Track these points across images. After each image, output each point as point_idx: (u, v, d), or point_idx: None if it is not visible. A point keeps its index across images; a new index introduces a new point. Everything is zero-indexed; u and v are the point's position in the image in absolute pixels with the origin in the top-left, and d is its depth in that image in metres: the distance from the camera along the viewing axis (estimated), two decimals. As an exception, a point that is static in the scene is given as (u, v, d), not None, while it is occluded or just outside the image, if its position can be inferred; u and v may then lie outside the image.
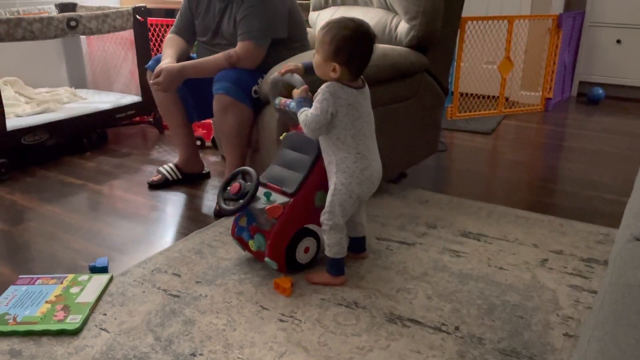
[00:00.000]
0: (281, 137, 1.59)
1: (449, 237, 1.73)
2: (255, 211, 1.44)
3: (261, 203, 1.42)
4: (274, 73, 1.60)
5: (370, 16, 2.13)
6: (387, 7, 2.13)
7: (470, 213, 1.91)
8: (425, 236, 1.74)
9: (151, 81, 1.96)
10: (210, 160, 2.52)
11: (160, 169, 2.24)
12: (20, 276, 1.51)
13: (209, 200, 2.10)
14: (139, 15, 2.77)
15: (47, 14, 2.78)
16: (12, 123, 2.37)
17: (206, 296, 1.41)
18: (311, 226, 1.50)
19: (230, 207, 1.43)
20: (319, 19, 2.41)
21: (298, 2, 2.02)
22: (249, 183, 1.44)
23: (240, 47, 1.86)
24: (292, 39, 1.96)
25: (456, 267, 1.55)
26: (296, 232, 1.47)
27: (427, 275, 1.51)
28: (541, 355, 1.18)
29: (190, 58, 2.07)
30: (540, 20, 3.44)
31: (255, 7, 1.84)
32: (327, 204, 1.42)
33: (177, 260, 1.60)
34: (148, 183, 2.21)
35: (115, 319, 1.32)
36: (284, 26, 1.91)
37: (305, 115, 1.38)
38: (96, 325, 1.30)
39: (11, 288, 1.44)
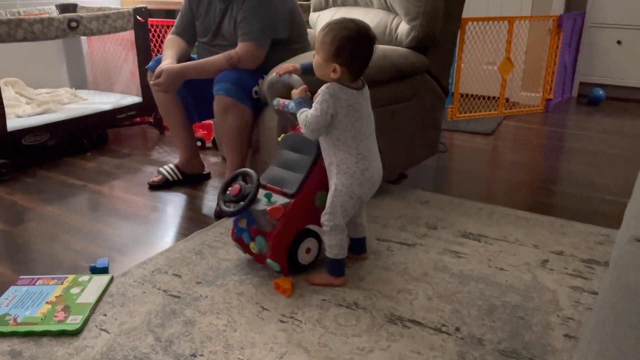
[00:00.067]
0: (279, 139, 1.59)
1: (450, 238, 1.73)
2: (256, 213, 1.43)
3: (262, 204, 1.42)
4: (272, 74, 1.59)
5: (371, 17, 2.13)
6: (388, 8, 2.13)
7: (471, 214, 1.91)
8: (426, 237, 1.74)
9: (152, 82, 1.96)
10: (210, 161, 2.52)
11: (161, 169, 2.24)
12: (21, 277, 1.51)
13: (210, 201, 2.10)
14: (139, 16, 2.77)
15: (47, 15, 2.78)
16: (12, 124, 2.37)
17: (206, 297, 1.41)
18: (312, 227, 1.50)
19: (230, 209, 1.42)
20: (319, 20, 2.42)
21: (298, 2, 2.02)
22: (249, 185, 1.44)
23: (240, 47, 1.86)
24: (293, 39, 1.96)
25: (457, 267, 1.55)
26: (298, 233, 1.46)
27: (427, 276, 1.51)
28: (541, 356, 1.18)
29: (190, 59, 2.07)
30: (540, 21, 3.44)
31: (256, 8, 1.84)
32: (327, 205, 1.42)
33: (178, 261, 1.60)
34: (148, 184, 2.21)
35: (116, 319, 1.32)
36: (284, 27, 1.91)
37: (305, 116, 1.38)
38: (96, 326, 1.30)
39: (12, 288, 1.44)
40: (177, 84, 1.92)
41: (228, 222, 1.82)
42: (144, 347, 1.22)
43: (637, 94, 3.78)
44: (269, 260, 1.45)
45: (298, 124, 1.55)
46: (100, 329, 1.29)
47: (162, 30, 3.13)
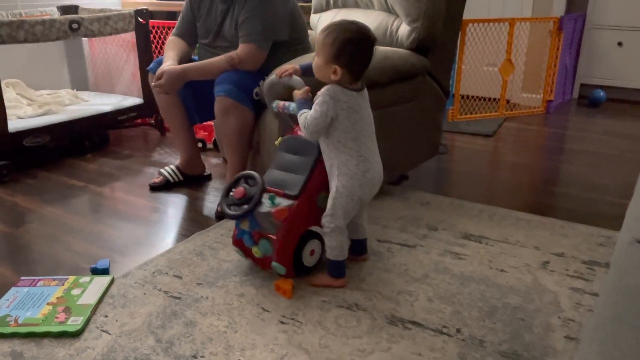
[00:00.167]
0: (276, 142, 1.57)
1: (450, 239, 1.73)
2: (259, 215, 1.40)
3: (266, 207, 1.39)
4: (272, 76, 1.58)
5: (372, 19, 2.13)
6: (388, 10, 2.13)
7: (472, 215, 1.91)
8: (427, 238, 1.74)
9: (153, 83, 1.97)
10: (211, 162, 2.52)
11: (162, 170, 2.24)
12: (22, 278, 1.51)
13: (210, 202, 2.10)
14: (140, 18, 2.77)
15: (49, 16, 2.79)
16: (13, 125, 2.38)
17: (207, 298, 1.41)
18: (315, 228, 1.49)
19: (235, 212, 1.40)
20: (320, 22, 2.42)
21: (299, 4, 2.03)
22: (253, 187, 1.42)
23: (241, 49, 1.86)
24: (294, 41, 1.96)
25: (457, 269, 1.55)
26: (303, 234, 1.45)
27: (428, 278, 1.51)
28: (542, 357, 1.18)
29: (191, 60, 2.07)
30: (541, 22, 3.45)
31: (257, 10, 1.84)
32: (328, 206, 1.41)
33: (178, 262, 1.60)
34: (149, 185, 2.21)
35: (117, 320, 1.32)
36: (285, 28, 1.92)
37: (304, 117, 1.38)
38: (97, 327, 1.30)
39: (13, 290, 1.45)
40: (178, 85, 1.92)
41: (228, 224, 1.82)
42: (145, 348, 1.22)
43: (638, 96, 3.78)
44: (274, 264, 1.43)
45: (295, 127, 1.55)
46: (101, 330, 1.29)
47: (163, 31, 3.13)
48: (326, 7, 2.43)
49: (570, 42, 3.62)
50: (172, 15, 3.46)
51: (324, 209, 1.43)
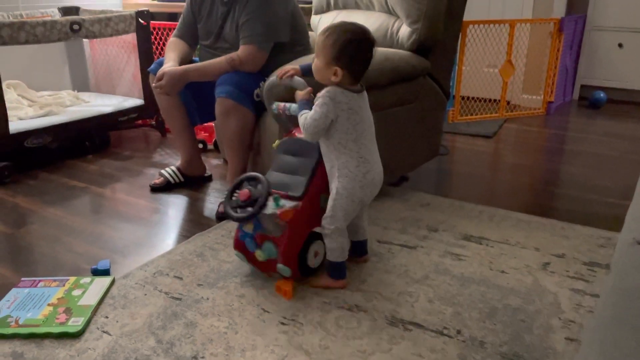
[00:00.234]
0: (273, 145, 1.55)
1: (451, 241, 1.73)
2: (264, 218, 1.38)
3: (270, 208, 1.37)
4: (272, 77, 1.57)
5: (372, 20, 2.13)
6: (389, 11, 2.13)
7: (472, 216, 1.91)
8: (427, 239, 1.74)
9: (154, 84, 1.97)
10: (212, 163, 2.52)
11: (163, 171, 2.24)
12: (23, 279, 1.51)
13: (211, 203, 2.10)
14: (141, 19, 2.78)
15: (50, 18, 2.79)
16: (15, 126, 2.38)
17: (208, 299, 1.42)
18: (318, 229, 1.47)
19: (240, 214, 1.38)
20: (320, 23, 2.42)
21: (300, 5, 2.03)
22: (258, 189, 1.40)
23: (242, 50, 1.86)
24: (294, 42, 1.96)
25: (458, 270, 1.55)
26: (308, 235, 1.44)
27: (428, 279, 1.51)
28: (543, 359, 1.18)
29: (192, 61, 2.07)
30: (541, 24, 3.45)
31: (258, 11, 1.84)
32: (328, 208, 1.41)
33: (179, 263, 1.60)
34: (150, 186, 2.21)
35: (117, 321, 1.33)
36: (286, 30, 1.92)
37: (304, 118, 1.37)
38: (98, 328, 1.30)
39: (13, 290, 1.45)
40: (179, 86, 1.92)
41: (229, 225, 1.83)
42: (146, 349, 1.22)
43: (638, 97, 3.78)
44: (280, 266, 1.41)
45: (292, 130, 1.55)
46: (102, 331, 1.29)
47: (164, 33, 3.14)
48: (327, 9, 2.43)
49: (571, 44, 3.62)
50: (173, 17, 3.47)
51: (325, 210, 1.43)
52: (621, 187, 2.24)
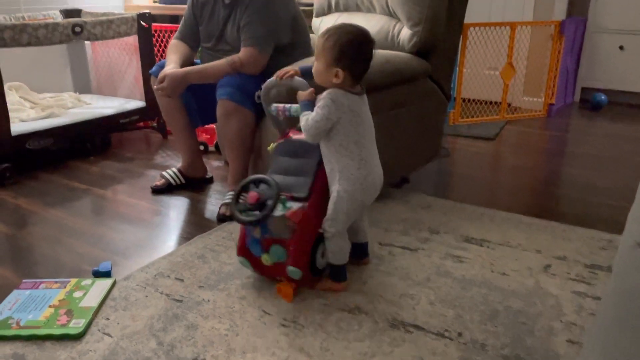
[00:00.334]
0: (269, 148, 1.53)
1: (452, 243, 1.73)
2: (272, 220, 1.36)
3: (278, 211, 1.35)
4: (271, 78, 1.54)
5: (373, 22, 2.14)
6: (390, 14, 2.14)
7: (473, 218, 1.91)
8: (428, 241, 1.74)
9: (155, 86, 1.97)
10: (213, 165, 2.52)
11: (164, 173, 2.24)
12: (24, 280, 1.51)
13: (212, 204, 2.10)
14: (143, 21, 2.78)
15: (52, 20, 2.80)
16: (16, 128, 2.38)
17: (209, 301, 1.42)
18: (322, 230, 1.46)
19: (251, 218, 1.34)
20: (321, 25, 2.43)
21: (301, 8, 2.03)
22: (266, 191, 1.38)
23: (243, 52, 1.87)
24: (296, 45, 1.97)
25: (459, 272, 1.55)
26: (316, 236, 1.42)
27: (429, 281, 1.51)
28: (544, 361, 1.18)
29: (194, 64, 2.08)
30: (542, 26, 3.45)
31: (259, 13, 1.85)
32: (329, 211, 1.40)
33: (180, 265, 1.60)
34: (151, 188, 2.22)
35: (118, 323, 1.33)
36: (287, 32, 1.92)
37: (306, 120, 1.37)
38: (99, 330, 1.30)
39: (15, 292, 1.45)
40: (180, 88, 1.93)
41: (230, 226, 1.83)
42: (147, 351, 1.22)
43: (639, 99, 3.78)
44: (290, 268, 1.38)
45: (288, 132, 1.54)
46: (103, 333, 1.29)
47: (166, 35, 3.14)
48: (328, 11, 2.44)
49: (572, 46, 3.62)
50: (174, 19, 3.48)
51: None
52: (622, 189, 2.24)
